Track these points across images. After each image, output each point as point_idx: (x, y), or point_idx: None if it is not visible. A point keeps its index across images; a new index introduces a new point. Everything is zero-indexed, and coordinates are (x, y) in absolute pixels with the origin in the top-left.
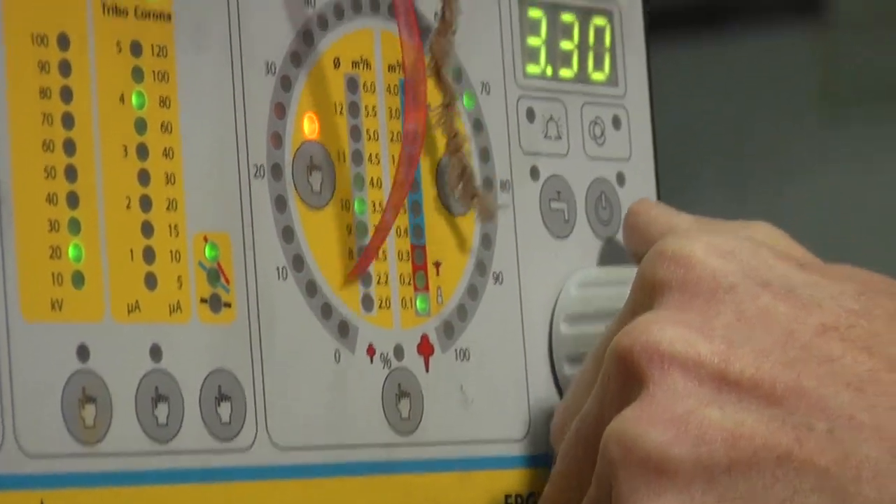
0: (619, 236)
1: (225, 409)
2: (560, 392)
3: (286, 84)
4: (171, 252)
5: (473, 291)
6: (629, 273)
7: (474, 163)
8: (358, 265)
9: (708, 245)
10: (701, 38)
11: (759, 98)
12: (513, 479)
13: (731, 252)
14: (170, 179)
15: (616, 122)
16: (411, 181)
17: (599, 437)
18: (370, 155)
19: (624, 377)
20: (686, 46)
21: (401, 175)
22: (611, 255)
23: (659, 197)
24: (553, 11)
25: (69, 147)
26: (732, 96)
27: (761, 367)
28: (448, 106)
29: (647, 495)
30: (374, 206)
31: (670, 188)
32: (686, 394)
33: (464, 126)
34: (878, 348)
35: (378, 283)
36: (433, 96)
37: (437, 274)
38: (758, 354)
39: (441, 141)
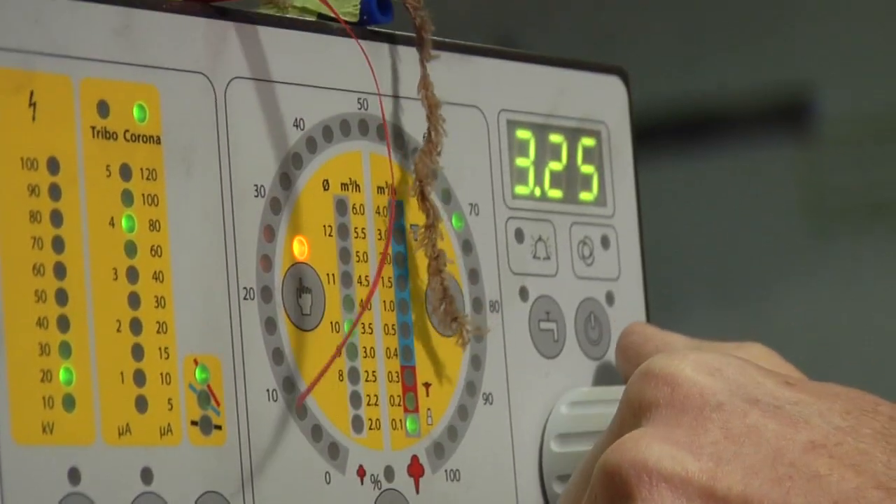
0: (610, 356)
1: None
2: None
3: (275, 206)
4: (161, 375)
5: (463, 412)
6: (620, 392)
7: (463, 284)
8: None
9: (695, 363)
10: (686, 153)
11: (745, 213)
12: None
13: (718, 369)
14: (160, 302)
15: (605, 242)
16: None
17: None
18: (359, 276)
19: (612, 494)
20: (671, 162)
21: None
22: (601, 374)
23: (648, 315)
24: (541, 132)
25: (59, 270)
26: (718, 211)
27: (749, 484)
28: (431, 227)
29: None
30: (363, 327)
31: (656, 304)
32: None
33: (452, 245)
34: (865, 466)
35: (368, 404)
36: (417, 217)
37: (427, 395)
38: (746, 472)
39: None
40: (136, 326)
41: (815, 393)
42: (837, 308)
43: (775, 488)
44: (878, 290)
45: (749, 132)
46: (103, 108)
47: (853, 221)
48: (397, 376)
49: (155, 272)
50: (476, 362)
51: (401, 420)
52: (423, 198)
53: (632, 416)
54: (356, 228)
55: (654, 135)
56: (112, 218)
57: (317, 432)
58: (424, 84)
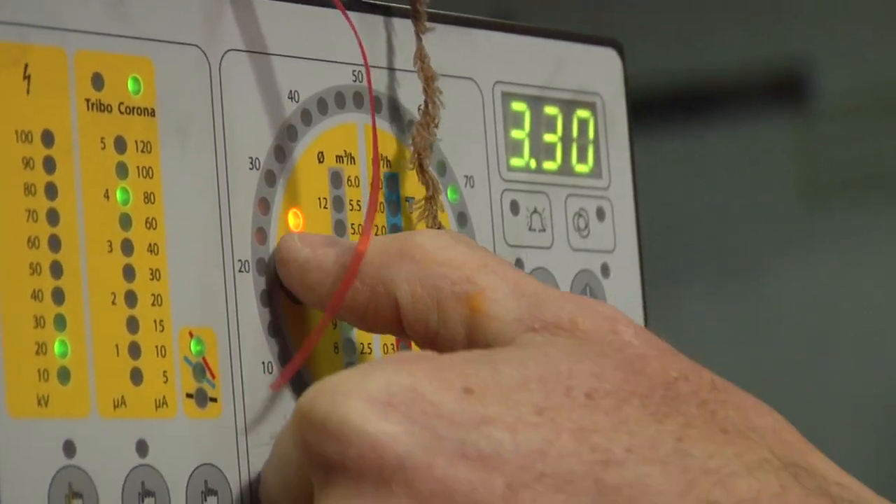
0: None
1: None
2: None
3: (270, 179)
4: (156, 347)
5: None
6: None
7: None
8: (285, 371)
9: (360, 400)
10: (682, 127)
11: (742, 187)
12: None
13: (388, 403)
14: (155, 275)
15: (600, 214)
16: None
17: None
18: None
19: None
20: (667, 136)
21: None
22: None
23: (644, 288)
24: (536, 104)
25: (54, 243)
26: (715, 186)
27: None
28: (431, 199)
29: None
30: None
31: (653, 278)
32: None
33: (448, 218)
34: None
35: None
36: (416, 190)
37: None
38: None
39: None
40: (130, 299)
41: (500, 394)
42: (834, 282)
43: None
44: (875, 264)
45: (746, 106)
46: (98, 81)
47: (850, 195)
48: (393, 348)
49: (150, 244)
50: None
51: None
52: (421, 170)
53: (307, 469)
54: (351, 201)
55: (650, 109)
56: (107, 190)
57: None
58: (420, 56)
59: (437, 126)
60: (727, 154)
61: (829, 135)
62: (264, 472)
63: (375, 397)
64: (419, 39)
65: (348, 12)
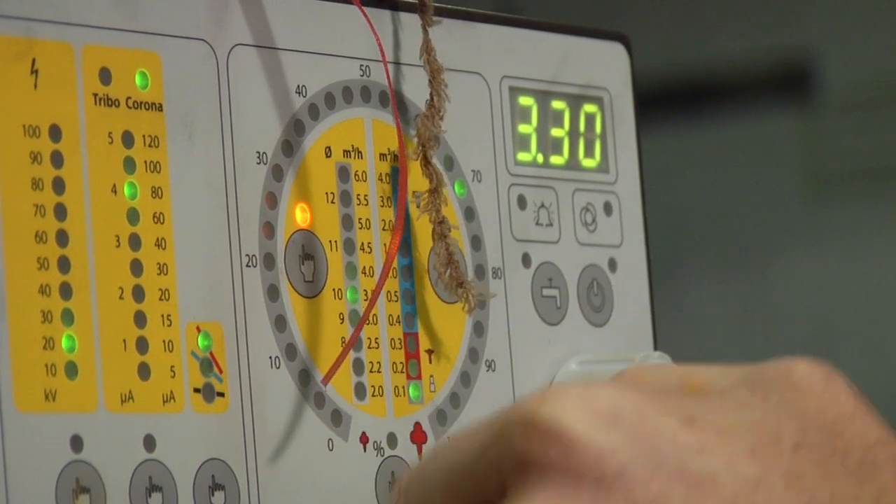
0: (613, 322)
1: (219, 499)
2: None
3: (278, 174)
4: (164, 342)
5: (466, 379)
6: (629, 357)
7: (466, 250)
8: (333, 366)
9: (587, 412)
10: (687, 120)
11: (747, 179)
12: None
13: (614, 417)
14: (162, 270)
15: (607, 209)
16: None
17: None
18: (362, 243)
19: None
20: (672, 130)
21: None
22: (604, 341)
23: (651, 282)
24: (544, 99)
25: (62, 238)
26: (720, 178)
27: None
28: (434, 191)
29: None
30: (365, 294)
31: (659, 271)
32: None
33: (455, 212)
34: None
35: (371, 371)
36: (418, 184)
37: (430, 362)
38: None
39: (430, 229)
40: (138, 294)
41: (717, 429)
42: (839, 274)
43: None
44: (879, 257)
45: (751, 99)
46: (105, 76)
47: (855, 188)
48: (400, 343)
49: (157, 239)
50: (479, 329)
51: (403, 387)
52: (426, 162)
53: (508, 471)
54: (358, 195)
55: (656, 102)
56: (114, 185)
57: (319, 399)
58: (427, 49)
59: (442, 118)
60: (732, 147)
61: (834, 127)
62: (426, 464)
63: (602, 410)
64: (426, 32)
65: (353, 7)
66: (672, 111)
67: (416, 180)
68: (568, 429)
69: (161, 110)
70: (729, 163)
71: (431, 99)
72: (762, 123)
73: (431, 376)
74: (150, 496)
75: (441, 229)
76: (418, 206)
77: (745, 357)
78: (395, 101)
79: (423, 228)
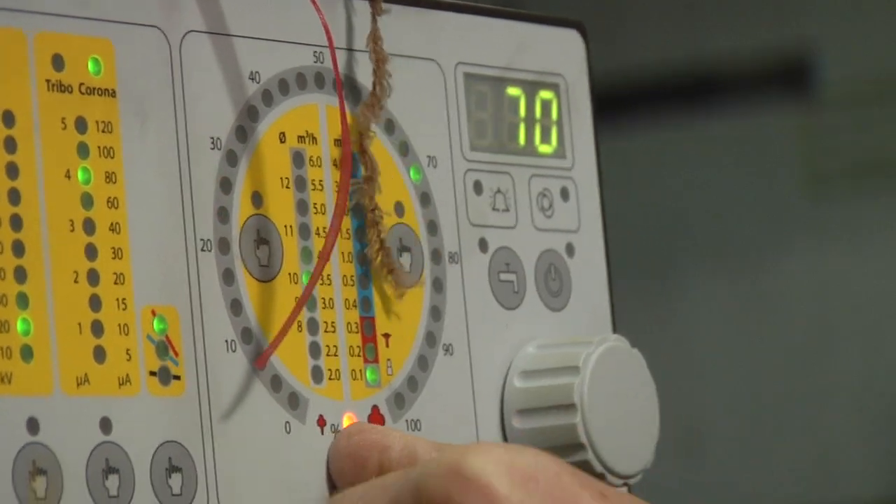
0: (571, 308)
1: (176, 481)
2: None
3: (232, 159)
4: (119, 325)
5: (423, 362)
6: (587, 341)
7: (422, 235)
8: (272, 343)
9: (511, 470)
10: (686, 115)
11: (746, 175)
12: None
13: (534, 479)
14: (117, 254)
15: (564, 194)
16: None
17: None
18: (317, 228)
19: None
20: (670, 125)
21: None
22: (561, 325)
23: (609, 267)
24: (499, 85)
25: (16, 222)
26: (719, 174)
27: None
28: (369, 179)
29: None
30: (322, 278)
31: (656, 269)
32: None
33: (411, 198)
34: None
35: (328, 354)
36: (388, 169)
37: (387, 345)
38: None
39: (387, 215)
40: (93, 277)
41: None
42: (839, 271)
43: None
44: (880, 253)
45: (750, 94)
46: (58, 62)
47: (855, 184)
48: (356, 327)
49: (112, 224)
50: (435, 313)
51: (360, 370)
52: (362, 150)
53: (432, 495)
54: (313, 181)
55: (653, 97)
56: (68, 170)
57: (276, 383)
58: (373, 37)
59: (382, 108)
60: (730, 143)
61: (834, 123)
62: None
63: (523, 471)
64: (374, 20)
65: None
66: (669, 106)
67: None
68: (491, 482)
69: (114, 96)
70: (727, 159)
71: (373, 88)
72: (761, 119)
73: (389, 360)
74: (107, 478)
75: (373, 216)
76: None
77: (744, 352)
78: (342, 87)
79: (380, 212)
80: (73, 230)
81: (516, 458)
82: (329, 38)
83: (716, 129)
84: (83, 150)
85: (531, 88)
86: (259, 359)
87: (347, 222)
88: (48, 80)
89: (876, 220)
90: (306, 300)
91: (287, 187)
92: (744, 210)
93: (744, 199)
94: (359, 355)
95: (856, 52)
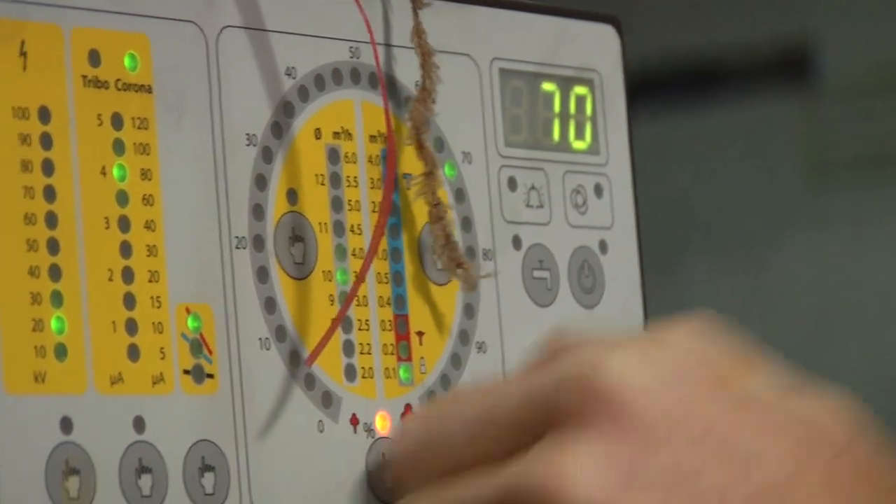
0: (603, 304)
1: (209, 480)
2: None
3: (267, 155)
4: (153, 324)
5: (456, 360)
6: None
7: (457, 232)
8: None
9: (645, 373)
10: (688, 106)
11: (748, 166)
12: None
13: (669, 384)
14: (152, 251)
15: (598, 190)
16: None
17: None
18: (352, 225)
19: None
20: (674, 115)
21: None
22: (594, 323)
23: (642, 264)
24: (534, 81)
25: (51, 219)
26: (721, 165)
27: None
28: (429, 174)
29: None
30: (355, 275)
31: (658, 259)
32: None
33: (446, 194)
34: None
35: (361, 353)
36: (414, 166)
37: (420, 343)
38: None
39: (421, 211)
40: (127, 275)
41: (766, 420)
42: (841, 261)
43: None
44: (882, 244)
45: (752, 85)
46: (94, 58)
47: (857, 175)
48: (390, 325)
49: (146, 221)
50: (469, 311)
51: (394, 369)
52: (419, 146)
53: (563, 410)
54: (348, 177)
55: (656, 88)
56: (103, 167)
57: (309, 381)
58: (417, 32)
59: (434, 101)
60: (733, 133)
61: (836, 114)
62: (440, 410)
63: (660, 373)
64: (416, 15)
65: None
66: (672, 97)
67: (406, 162)
68: (627, 385)
69: (150, 92)
70: (729, 149)
71: (423, 82)
72: (763, 110)
73: (422, 358)
74: (139, 477)
75: (437, 211)
76: (408, 189)
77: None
78: (385, 83)
79: (413, 210)
80: (108, 227)
81: (650, 362)
82: (370, 34)
83: (718, 121)
84: (119, 147)
85: (566, 84)
86: (309, 357)
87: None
88: (84, 76)
89: (878, 212)
90: (343, 317)
91: (322, 184)
92: (745, 201)
93: (745, 190)
94: (392, 353)
95: (858, 43)
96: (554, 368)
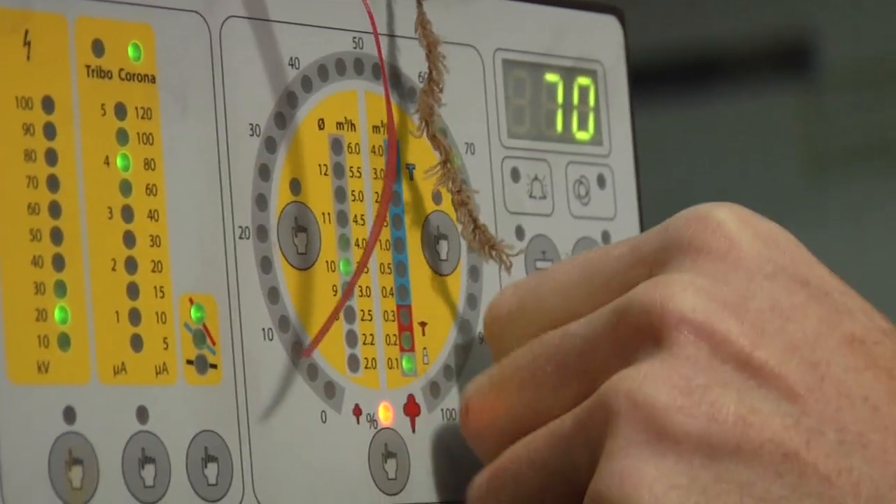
0: None
1: (212, 471)
2: None
3: (271, 146)
4: (156, 314)
5: (460, 351)
6: None
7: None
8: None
9: (755, 226)
10: (686, 98)
11: (746, 158)
12: None
13: (775, 240)
14: (155, 241)
15: (601, 181)
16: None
17: (581, 367)
18: (355, 216)
19: (643, 331)
20: (672, 106)
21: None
22: None
23: None
24: (537, 72)
25: (54, 209)
26: (719, 157)
27: (786, 361)
28: (445, 163)
29: (644, 454)
30: (358, 266)
31: None
32: (707, 367)
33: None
34: None
35: (364, 343)
36: (418, 157)
37: (423, 334)
38: (785, 348)
39: (425, 201)
40: (131, 265)
41: (851, 289)
42: (840, 253)
43: (809, 372)
44: (880, 235)
45: (750, 77)
46: (98, 47)
47: (855, 166)
48: (393, 315)
49: (150, 211)
50: (472, 301)
51: (397, 359)
52: (432, 136)
53: (673, 250)
54: (352, 168)
55: (654, 79)
56: (107, 157)
57: (312, 371)
58: (421, 22)
59: (441, 91)
60: (732, 124)
61: (834, 105)
62: (538, 276)
63: (766, 233)
64: (420, 6)
65: None
66: (670, 88)
67: (410, 153)
68: (736, 230)
69: (154, 82)
70: (727, 141)
71: (430, 73)
72: (761, 101)
73: (425, 348)
74: (143, 468)
75: (460, 197)
76: (412, 179)
77: None
78: (386, 74)
79: (416, 200)
80: (111, 217)
81: (761, 221)
82: (373, 24)
83: (716, 113)
84: (122, 137)
85: (569, 75)
86: (308, 347)
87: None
88: (88, 66)
89: (877, 203)
90: (344, 305)
91: (325, 174)
92: (743, 193)
93: (743, 181)
94: (395, 344)
95: (856, 34)
96: (655, 231)
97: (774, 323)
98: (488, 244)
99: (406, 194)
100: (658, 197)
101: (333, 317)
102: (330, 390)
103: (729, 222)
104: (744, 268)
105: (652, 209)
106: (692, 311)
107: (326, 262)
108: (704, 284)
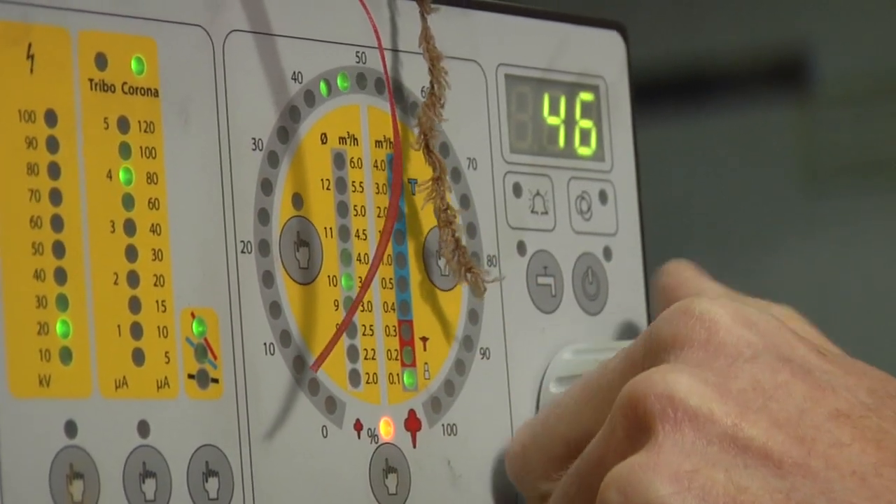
0: (607, 312)
1: (212, 485)
2: None
3: (273, 160)
4: (158, 328)
5: (461, 366)
6: (623, 345)
7: (462, 238)
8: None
9: (735, 313)
10: (683, 112)
11: (743, 171)
12: None
13: (756, 324)
14: (157, 255)
15: (603, 197)
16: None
17: (597, 480)
18: (357, 230)
19: (633, 424)
20: (668, 120)
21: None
22: (598, 330)
23: (646, 271)
24: (539, 87)
25: (57, 223)
26: (715, 170)
27: (773, 437)
28: (438, 179)
29: None
30: (360, 281)
31: (653, 262)
32: (694, 450)
33: (451, 200)
34: (887, 443)
35: (365, 358)
36: (420, 171)
37: (425, 349)
38: (770, 425)
39: (426, 217)
40: (133, 279)
41: (844, 367)
42: (836, 267)
43: (796, 447)
44: (876, 249)
45: (747, 91)
46: (101, 61)
47: (851, 180)
48: (395, 330)
49: (152, 225)
50: (473, 317)
51: (398, 374)
52: (428, 150)
53: (658, 349)
54: (354, 182)
55: (651, 93)
56: (110, 170)
57: (314, 386)
58: (425, 37)
59: (443, 106)
60: (728, 139)
61: (831, 119)
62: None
63: (746, 315)
64: (424, 20)
65: None
66: (667, 102)
67: (412, 168)
68: (716, 318)
69: (157, 96)
70: (724, 155)
71: (432, 87)
72: (758, 115)
73: (426, 364)
74: (143, 482)
75: (446, 216)
76: (414, 194)
77: None
78: (391, 88)
79: (417, 215)
80: (113, 231)
81: (741, 307)
82: (377, 38)
83: (712, 125)
84: (125, 151)
85: (571, 90)
86: (315, 362)
87: (382, 225)
88: (91, 80)
89: (872, 217)
90: (349, 323)
91: (328, 189)
92: (739, 206)
93: (740, 194)
94: (396, 359)
95: (852, 49)
96: (643, 335)
97: (758, 401)
98: (465, 266)
99: (408, 209)
100: (656, 211)
101: (341, 331)
102: (331, 405)
103: (709, 312)
104: (724, 353)
105: (651, 222)
106: (674, 396)
107: (328, 276)
108: (685, 370)
